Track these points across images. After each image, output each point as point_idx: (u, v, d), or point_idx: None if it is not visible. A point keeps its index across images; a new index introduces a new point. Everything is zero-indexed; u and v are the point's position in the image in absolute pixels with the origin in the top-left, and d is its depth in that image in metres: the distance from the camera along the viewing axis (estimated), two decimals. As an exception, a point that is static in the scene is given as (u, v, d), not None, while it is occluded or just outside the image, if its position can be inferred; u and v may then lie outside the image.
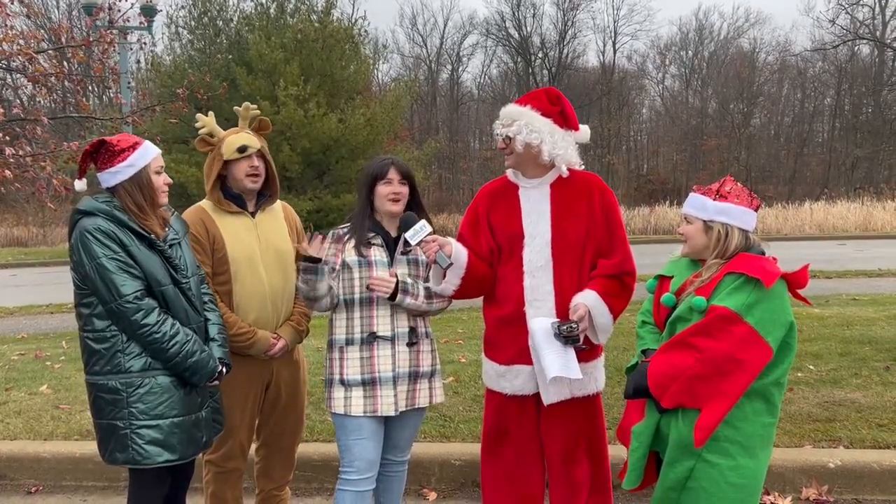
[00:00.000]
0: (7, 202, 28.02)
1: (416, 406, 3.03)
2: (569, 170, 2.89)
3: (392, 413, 2.93)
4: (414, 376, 3.00)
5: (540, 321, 2.78)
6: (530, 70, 41.41)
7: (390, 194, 2.98)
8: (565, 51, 41.45)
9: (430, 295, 2.99)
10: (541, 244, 2.87)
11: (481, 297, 3.07)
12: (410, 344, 2.98)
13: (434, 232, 2.89)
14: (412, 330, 3.00)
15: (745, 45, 43.06)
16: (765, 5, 56.89)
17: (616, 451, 3.33)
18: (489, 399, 3.07)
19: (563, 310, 2.82)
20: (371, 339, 2.93)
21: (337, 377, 2.97)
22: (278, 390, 3.26)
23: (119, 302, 2.47)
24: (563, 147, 2.82)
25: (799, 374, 5.24)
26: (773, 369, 2.41)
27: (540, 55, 41.61)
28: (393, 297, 2.89)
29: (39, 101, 9.38)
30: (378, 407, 2.92)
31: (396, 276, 2.92)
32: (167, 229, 2.71)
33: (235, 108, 3.27)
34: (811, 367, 5.46)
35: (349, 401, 2.93)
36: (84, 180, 2.70)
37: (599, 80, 41.28)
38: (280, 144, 20.62)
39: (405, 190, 3.02)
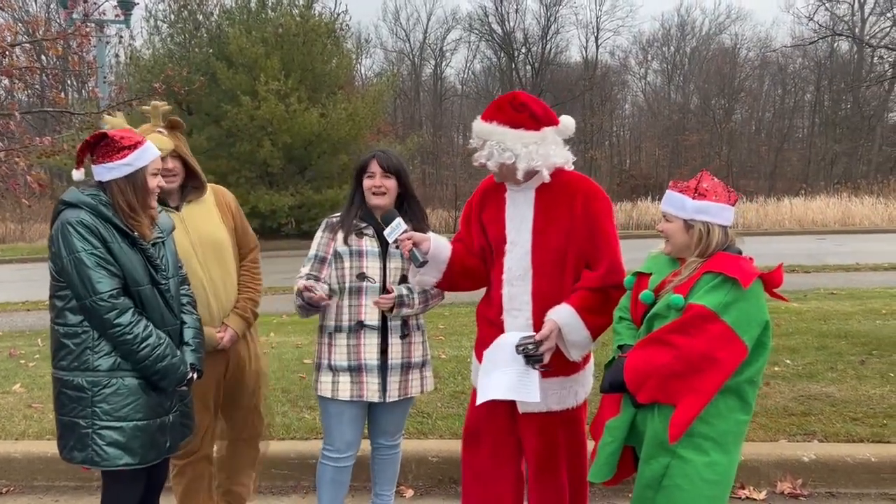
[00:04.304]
0: (-16, 198, 27.60)
1: (408, 395, 3.13)
2: (560, 171, 2.77)
3: (376, 399, 3.02)
4: (406, 367, 3.09)
5: (510, 336, 2.71)
6: (513, 65, 41.44)
7: (372, 188, 3.03)
8: (548, 46, 41.58)
9: (426, 299, 3.07)
10: (521, 253, 2.79)
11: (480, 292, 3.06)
12: (403, 336, 3.07)
13: (409, 229, 2.88)
14: (404, 323, 3.08)
15: (726, 41, 43.40)
16: (746, 1, 57.35)
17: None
18: (472, 395, 3.08)
19: (540, 320, 2.73)
20: (358, 327, 3.00)
21: (325, 362, 3.06)
22: (238, 382, 3.27)
23: (93, 299, 2.43)
24: (542, 154, 2.66)
25: (775, 368, 5.27)
26: (748, 367, 2.42)
27: (523, 50, 41.68)
28: (391, 310, 2.99)
29: (16, 96, 9.23)
30: (364, 393, 3.01)
31: (394, 292, 2.99)
32: (153, 231, 2.67)
33: (143, 107, 3.21)
34: (788, 361, 5.49)
35: (336, 385, 3.02)
36: (81, 170, 2.65)
37: (582, 75, 41.41)
38: (261, 140, 20.52)
39: (389, 183, 3.04)
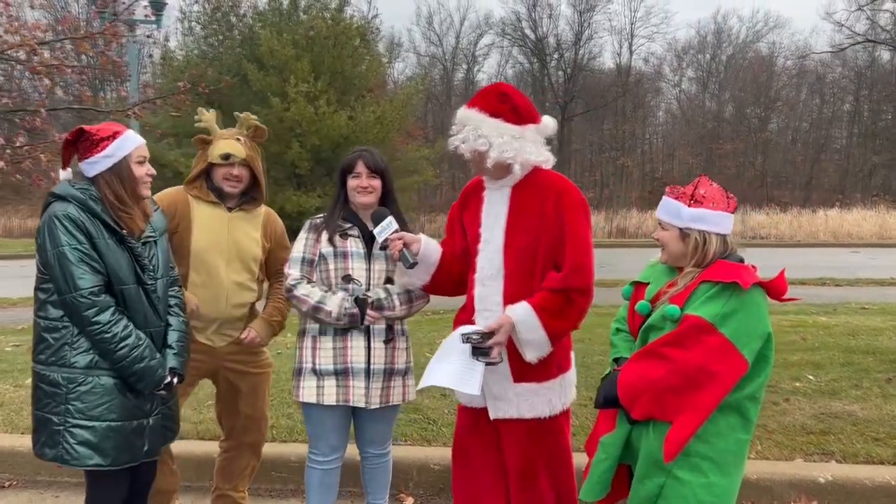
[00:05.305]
0: (22, 194, 28.22)
1: (391, 403, 3.04)
2: (538, 171, 2.72)
3: (362, 405, 2.94)
4: (389, 373, 3.01)
5: (465, 328, 2.64)
6: (546, 71, 41.26)
7: (358, 187, 3.00)
8: (581, 52, 41.28)
9: (410, 299, 2.99)
10: (493, 251, 2.72)
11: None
12: (387, 341, 2.99)
13: (400, 229, 2.85)
14: (389, 327, 3.00)
15: (763, 49, 42.69)
16: (784, 9, 56.48)
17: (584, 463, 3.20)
18: (458, 408, 3.02)
19: None
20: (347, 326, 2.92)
21: (309, 366, 2.99)
22: (237, 386, 3.25)
23: (74, 295, 2.40)
24: (516, 147, 2.61)
25: (796, 384, 5.09)
26: (749, 383, 2.30)
27: (556, 56, 41.46)
28: (362, 321, 2.89)
29: (54, 94, 9.32)
30: (350, 397, 2.94)
31: (368, 297, 2.92)
32: (146, 225, 2.63)
33: (237, 113, 3.31)
34: (810, 376, 5.30)
35: (322, 390, 2.95)
36: (68, 170, 2.63)
37: (615, 81, 41.03)
38: (290, 141, 20.64)
39: (375, 183, 3.02)
